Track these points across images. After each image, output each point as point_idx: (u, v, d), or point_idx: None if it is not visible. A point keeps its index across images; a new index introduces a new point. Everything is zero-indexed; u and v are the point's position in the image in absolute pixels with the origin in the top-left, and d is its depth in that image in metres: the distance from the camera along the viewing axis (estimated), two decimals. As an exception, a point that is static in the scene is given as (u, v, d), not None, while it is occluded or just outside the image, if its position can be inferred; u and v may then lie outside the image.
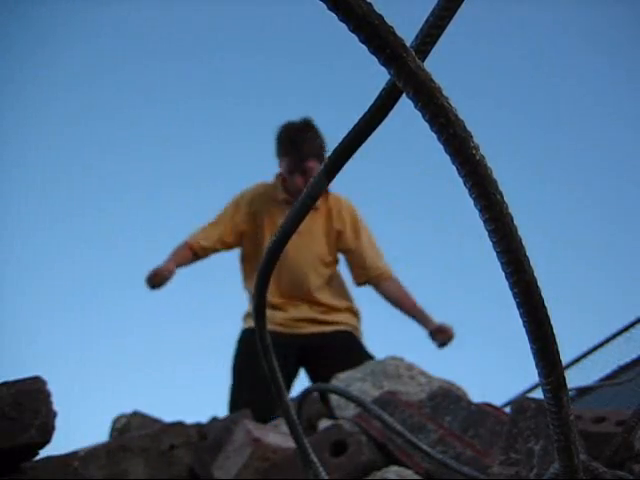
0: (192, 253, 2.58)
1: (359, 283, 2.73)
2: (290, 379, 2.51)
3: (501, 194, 0.32)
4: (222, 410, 2.45)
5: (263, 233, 2.60)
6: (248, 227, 2.63)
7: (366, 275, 2.69)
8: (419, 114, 0.31)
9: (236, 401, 2.39)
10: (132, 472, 1.30)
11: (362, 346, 2.62)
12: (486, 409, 1.21)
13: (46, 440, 0.98)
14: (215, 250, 2.64)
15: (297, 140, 2.55)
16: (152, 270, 2.41)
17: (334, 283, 2.72)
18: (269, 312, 2.51)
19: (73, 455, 1.19)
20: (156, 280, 2.40)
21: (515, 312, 0.35)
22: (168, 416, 1.66)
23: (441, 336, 2.57)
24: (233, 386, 2.50)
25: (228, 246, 2.66)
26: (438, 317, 2.75)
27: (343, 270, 2.79)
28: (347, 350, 2.52)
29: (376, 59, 0.30)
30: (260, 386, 2.14)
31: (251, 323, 2.48)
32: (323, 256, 2.65)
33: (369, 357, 2.44)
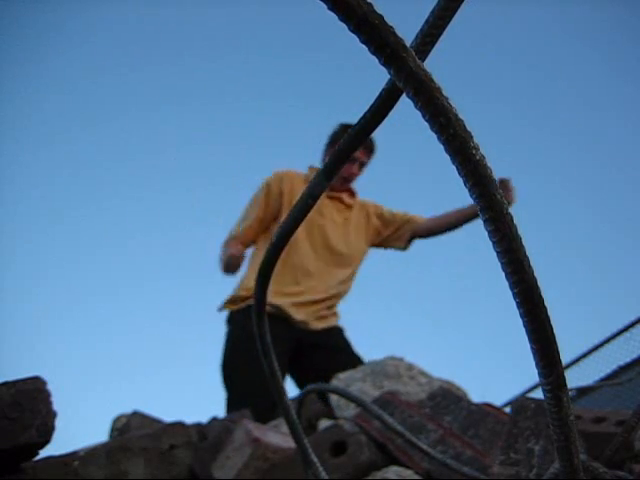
0: (243, 246, 2.68)
1: (409, 241, 2.88)
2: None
3: (501, 194, 0.32)
4: (222, 410, 2.45)
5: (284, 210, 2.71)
6: (278, 204, 2.72)
7: (410, 228, 2.85)
8: (419, 114, 0.31)
9: (237, 399, 2.38)
10: (132, 472, 1.30)
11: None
12: (486, 409, 1.21)
13: (46, 440, 0.97)
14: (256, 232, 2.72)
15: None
16: (227, 257, 2.54)
17: None
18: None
19: (73, 455, 1.19)
20: (234, 265, 2.54)
21: (515, 312, 0.35)
22: (168, 416, 1.66)
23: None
24: (233, 383, 2.49)
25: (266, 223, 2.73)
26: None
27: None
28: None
29: (376, 59, 0.30)
30: (259, 384, 2.15)
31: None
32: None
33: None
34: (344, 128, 2.79)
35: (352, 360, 2.45)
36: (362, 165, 2.77)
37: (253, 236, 2.72)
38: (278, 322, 2.47)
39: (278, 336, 2.44)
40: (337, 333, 2.68)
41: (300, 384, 2.61)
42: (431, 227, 2.83)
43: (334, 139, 2.80)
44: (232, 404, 2.37)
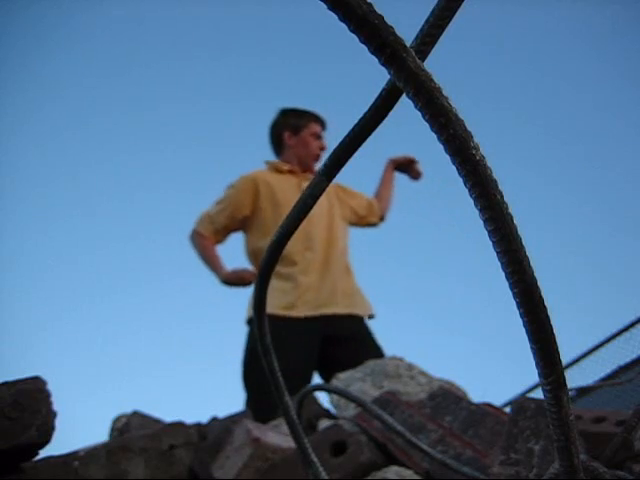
0: (213, 244, 2.72)
1: (380, 221, 3.05)
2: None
3: (501, 194, 0.32)
4: (222, 410, 2.44)
5: (277, 199, 2.72)
6: (255, 199, 2.74)
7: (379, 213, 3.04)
8: (419, 114, 0.31)
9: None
10: (132, 472, 1.30)
11: None
12: (486, 409, 1.21)
13: (46, 440, 0.98)
14: (229, 231, 2.76)
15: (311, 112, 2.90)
16: (235, 276, 2.60)
17: None
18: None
19: (73, 455, 1.19)
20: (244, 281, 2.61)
21: (515, 312, 0.35)
22: (168, 416, 1.66)
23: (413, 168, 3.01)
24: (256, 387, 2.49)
25: (241, 221, 2.75)
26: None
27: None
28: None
29: (376, 59, 0.30)
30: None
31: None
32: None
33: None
34: (283, 113, 2.88)
35: (374, 352, 2.46)
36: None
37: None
38: (304, 324, 2.50)
39: (305, 338, 2.46)
40: (358, 322, 2.65)
41: (324, 378, 2.61)
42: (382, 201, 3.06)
43: (277, 125, 2.87)
44: (250, 403, 2.38)
